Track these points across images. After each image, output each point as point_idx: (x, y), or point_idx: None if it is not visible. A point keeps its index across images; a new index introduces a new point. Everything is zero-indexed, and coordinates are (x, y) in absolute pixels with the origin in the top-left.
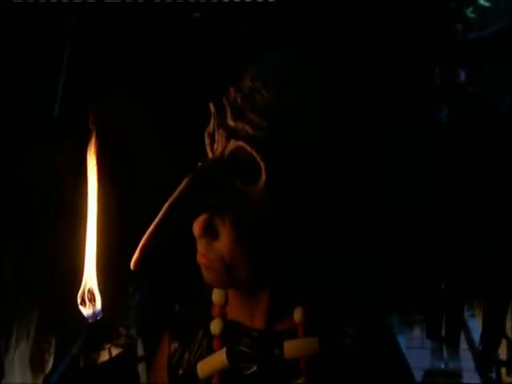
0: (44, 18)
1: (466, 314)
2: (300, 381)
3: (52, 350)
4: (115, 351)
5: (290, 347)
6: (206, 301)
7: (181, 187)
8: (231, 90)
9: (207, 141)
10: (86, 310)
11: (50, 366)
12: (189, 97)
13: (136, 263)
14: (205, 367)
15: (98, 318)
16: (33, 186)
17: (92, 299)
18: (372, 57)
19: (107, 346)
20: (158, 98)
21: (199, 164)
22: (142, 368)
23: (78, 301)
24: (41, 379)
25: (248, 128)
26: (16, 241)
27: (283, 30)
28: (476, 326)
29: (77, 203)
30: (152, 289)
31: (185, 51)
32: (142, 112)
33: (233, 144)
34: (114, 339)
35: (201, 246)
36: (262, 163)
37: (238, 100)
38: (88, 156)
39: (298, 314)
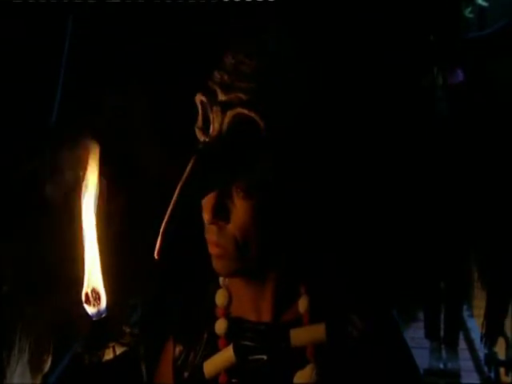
0: (43, 18)
1: (465, 314)
2: (307, 369)
3: (51, 349)
4: (119, 350)
5: (296, 335)
6: (210, 303)
7: (188, 169)
8: (214, 73)
9: (199, 134)
10: (91, 309)
11: (48, 365)
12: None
13: (158, 251)
14: (211, 366)
15: (103, 316)
16: (31, 188)
17: (97, 298)
18: (365, 53)
19: (111, 344)
20: (158, 94)
21: (200, 145)
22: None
23: (83, 299)
24: (39, 379)
25: (241, 95)
26: (14, 243)
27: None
28: (475, 325)
29: (76, 205)
30: (156, 290)
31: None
32: (141, 111)
33: (230, 114)
34: (119, 338)
35: (212, 234)
36: (261, 122)
37: (225, 77)
38: (88, 157)
39: (302, 303)
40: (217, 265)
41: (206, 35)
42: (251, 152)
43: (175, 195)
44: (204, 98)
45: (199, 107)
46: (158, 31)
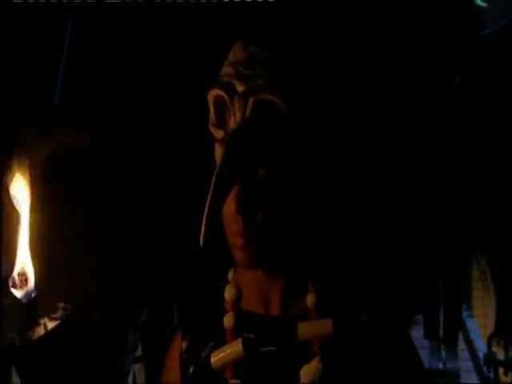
0: (44, 11)
1: (464, 314)
2: (313, 363)
3: None
4: (51, 324)
5: (304, 329)
6: (219, 297)
7: (221, 158)
8: (225, 68)
9: (214, 130)
10: (19, 292)
11: None
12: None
13: (203, 238)
14: (219, 358)
15: (32, 296)
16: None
17: (24, 280)
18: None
19: (42, 321)
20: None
21: (226, 135)
22: (139, 368)
23: (10, 284)
24: None
25: (260, 81)
26: None
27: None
28: (474, 325)
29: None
30: (160, 290)
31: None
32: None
33: (252, 101)
34: (50, 313)
35: (238, 224)
36: (282, 105)
37: (240, 69)
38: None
39: (310, 299)
40: (241, 256)
41: (205, 35)
42: (276, 135)
43: (212, 183)
44: (221, 92)
45: (211, 103)
46: (156, 31)
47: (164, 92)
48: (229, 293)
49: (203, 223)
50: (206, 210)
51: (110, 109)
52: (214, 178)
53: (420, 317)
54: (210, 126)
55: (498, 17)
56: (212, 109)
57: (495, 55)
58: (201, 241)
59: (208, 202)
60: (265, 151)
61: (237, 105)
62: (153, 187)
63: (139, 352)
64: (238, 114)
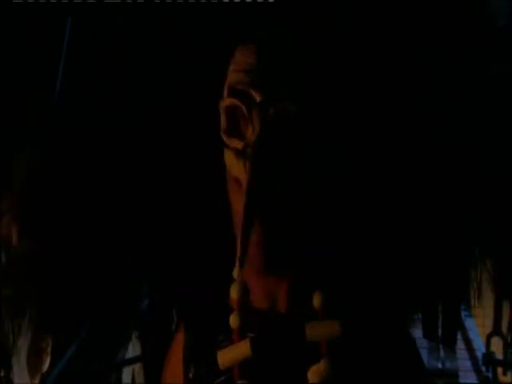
0: (43, 12)
1: (463, 314)
2: (321, 364)
3: (49, 349)
4: None
5: (311, 329)
6: (225, 296)
7: (249, 173)
8: (237, 75)
9: (226, 138)
10: None
11: (47, 365)
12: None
13: (241, 260)
14: (226, 357)
15: None
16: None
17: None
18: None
19: None
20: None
21: (248, 147)
22: (138, 368)
23: None
24: (38, 379)
25: (278, 90)
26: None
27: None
28: (473, 325)
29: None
30: (161, 289)
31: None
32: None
33: (271, 111)
34: None
35: (256, 235)
36: (301, 113)
37: (254, 76)
38: None
39: (317, 299)
40: (254, 262)
41: (206, 35)
42: (295, 143)
43: (245, 201)
44: (236, 101)
45: (223, 111)
46: (157, 31)
47: (164, 93)
48: (235, 291)
49: (239, 249)
50: (241, 233)
51: (110, 110)
52: (245, 198)
53: (419, 317)
54: (222, 134)
55: (498, 17)
56: (224, 117)
57: (495, 55)
58: (239, 263)
59: (243, 222)
60: (285, 160)
61: (255, 115)
62: (155, 187)
63: (139, 352)
64: (257, 125)
